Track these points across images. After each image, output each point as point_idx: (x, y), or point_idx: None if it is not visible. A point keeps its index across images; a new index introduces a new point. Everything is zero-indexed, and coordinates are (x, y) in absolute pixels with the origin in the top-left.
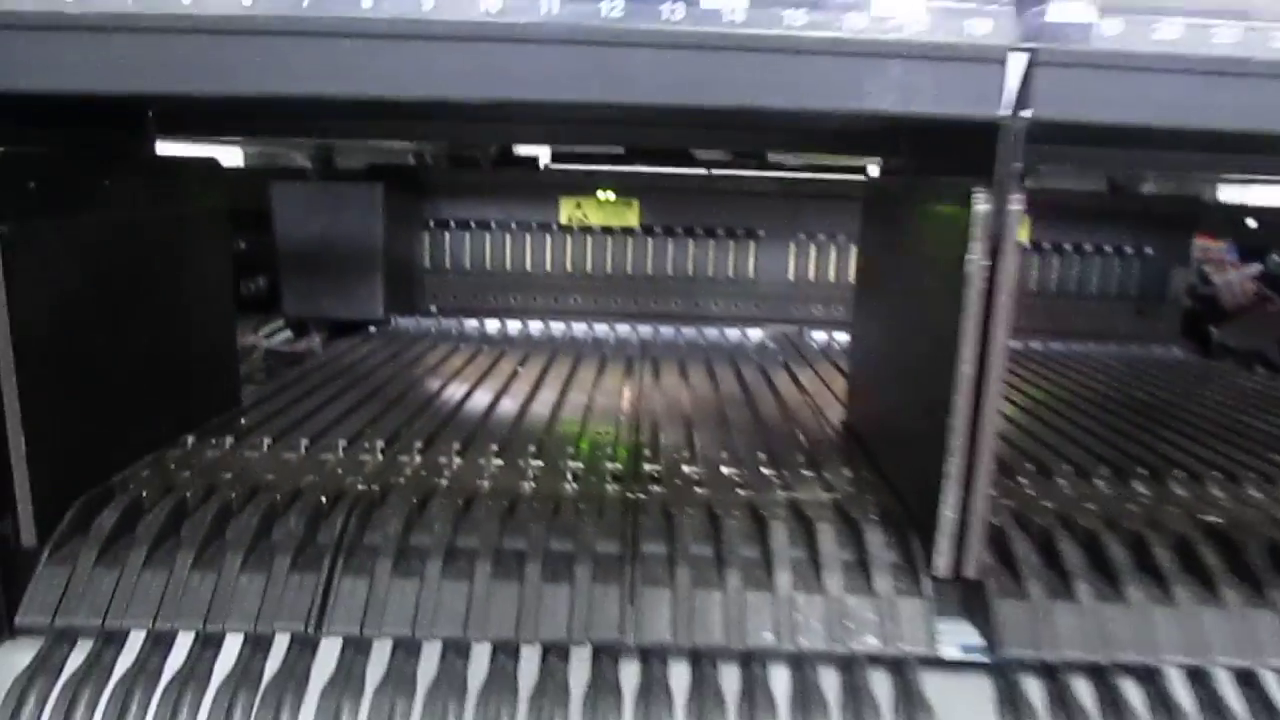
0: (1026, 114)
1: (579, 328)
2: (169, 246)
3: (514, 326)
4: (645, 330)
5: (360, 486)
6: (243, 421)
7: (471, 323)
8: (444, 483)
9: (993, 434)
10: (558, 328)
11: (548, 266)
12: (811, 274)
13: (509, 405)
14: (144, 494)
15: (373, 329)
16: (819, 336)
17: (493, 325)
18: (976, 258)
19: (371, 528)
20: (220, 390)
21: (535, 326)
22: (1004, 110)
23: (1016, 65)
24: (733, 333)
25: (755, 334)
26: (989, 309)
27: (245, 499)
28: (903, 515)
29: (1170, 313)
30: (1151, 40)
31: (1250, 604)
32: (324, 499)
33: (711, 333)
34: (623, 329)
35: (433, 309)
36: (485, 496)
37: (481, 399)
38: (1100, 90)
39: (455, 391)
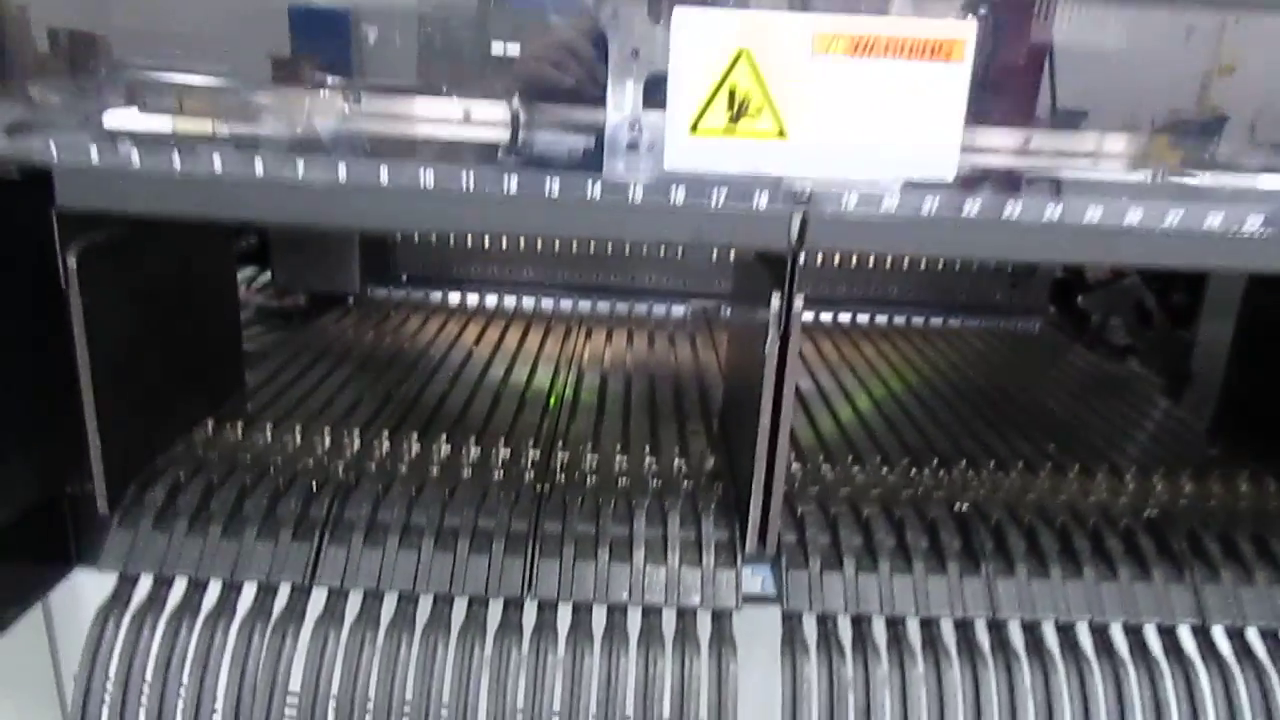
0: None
1: (528, 300)
2: (192, 255)
3: (473, 298)
4: (584, 304)
5: (340, 474)
6: (249, 406)
7: (436, 294)
8: (403, 468)
9: (784, 454)
10: (510, 300)
11: (503, 243)
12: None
13: (461, 391)
14: (181, 475)
15: (351, 300)
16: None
17: (454, 296)
18: (770, 339)
19: (349, 507)
20: (230, 374)
21: (491, 298)
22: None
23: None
24: (659, 307)
25: (679, 309)
26: (780, 374)
27: (256, 480)
28: (733, 503)
29: (1039, 285)
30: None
31: (969, 573)
32: (314, 484)
33: (641, 307)
34: (565, 302)
35: (403, 278)
36: (433, 482)
37: (441, 381)
38: (851, 235)
39: (420, 373)
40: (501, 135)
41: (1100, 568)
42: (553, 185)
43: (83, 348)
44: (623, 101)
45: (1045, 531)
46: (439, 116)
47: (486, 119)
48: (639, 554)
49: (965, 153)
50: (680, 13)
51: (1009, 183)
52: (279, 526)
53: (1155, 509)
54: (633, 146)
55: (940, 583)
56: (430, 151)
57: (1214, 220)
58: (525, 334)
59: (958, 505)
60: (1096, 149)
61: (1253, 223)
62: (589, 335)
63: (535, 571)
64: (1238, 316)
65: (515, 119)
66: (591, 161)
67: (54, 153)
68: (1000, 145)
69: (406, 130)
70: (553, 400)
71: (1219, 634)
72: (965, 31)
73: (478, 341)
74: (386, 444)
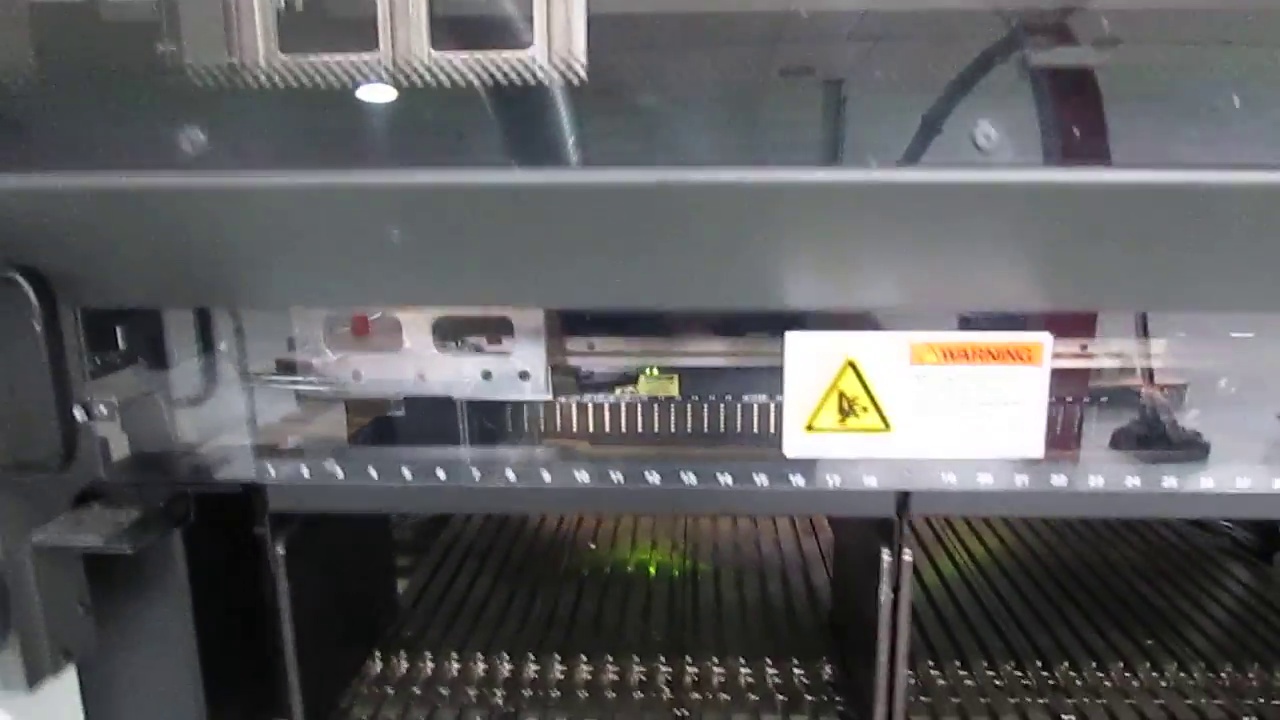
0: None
1: None
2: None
3: None
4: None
5: (501, 704)
6: (408, 633)
7: None
8: (555, 694)
9: (902, 691)
10: None
11: None
12: None
13: (589, 597)
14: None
15: None
16: None
17: None
18: (884, 592)
19: None
20: (387, 605)
21: None
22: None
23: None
24: None
25: None
26: (894, 622)
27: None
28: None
29: None
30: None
31: None
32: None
33: None
34: None
35: None
36: (582, 706)
37: (570, 585)
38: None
39: (546, 578)
40: None
41: None
42: (689, 476)
43: (288, 619)
44: None
45: None
46: None
47: None
48: None
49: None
50: (791, 336)
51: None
52: None
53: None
54: None
55: None
56: None
57: None
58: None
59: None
60: None
61: None
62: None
63: None
64: None
65: None
66: None
67: (271, 473)
68: None
69: None
70: (672, 605)
71: None
72: (1043, 339)
73: (594, 539)
74: (534, 666)
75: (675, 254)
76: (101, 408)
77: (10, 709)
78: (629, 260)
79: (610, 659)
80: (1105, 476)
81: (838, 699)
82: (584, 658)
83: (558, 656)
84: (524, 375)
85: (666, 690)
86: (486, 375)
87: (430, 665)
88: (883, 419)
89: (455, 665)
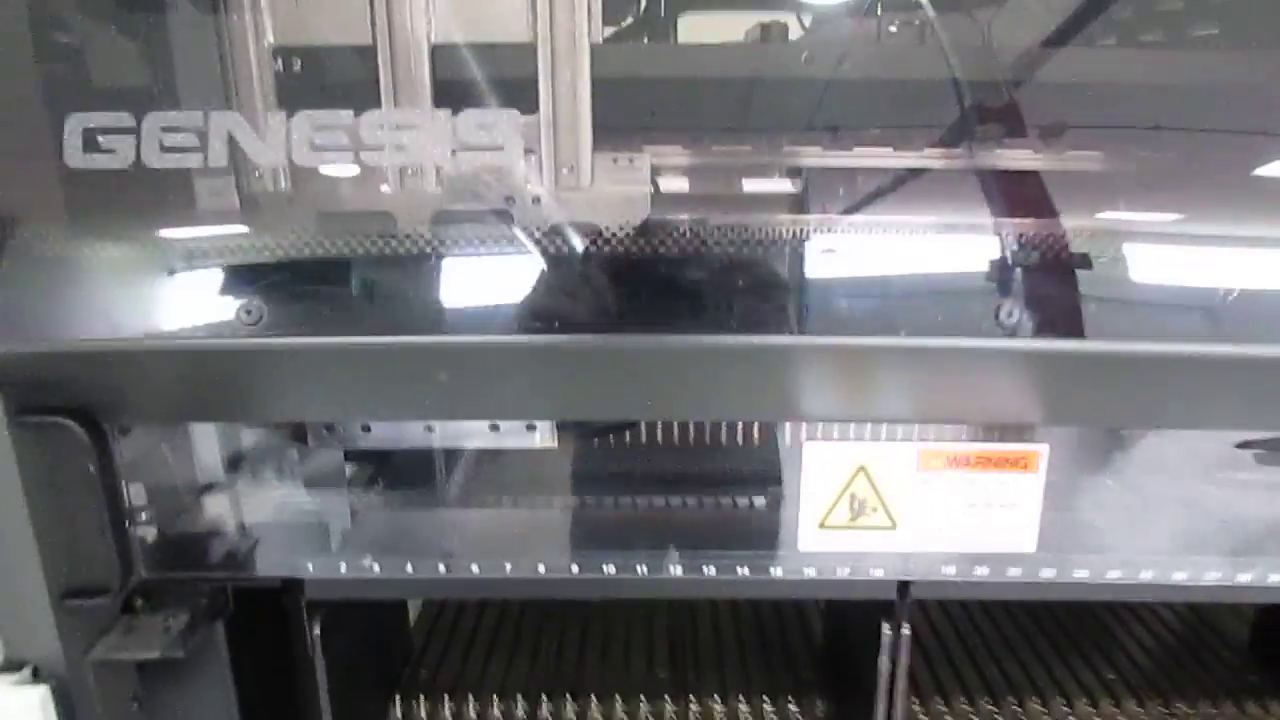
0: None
1: None
2: None
3: None
4: None
5: None
6: (423, 675)
7: None
8: None
9: None
10: None
11: None
12: None
13: (593, 639)
14: None
15: None
16: None
17: None
18: (883, 663)
19: None
20: (404, 648)
21: None
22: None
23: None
24: None
25: None
26: (891, 694)
27: None
28: None
29: None
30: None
31: None
32: None
33: None
34: None
35: None
36: None
37: (572, 624)
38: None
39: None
40: None
41: None
42: (710, 569)
43: (324, 689)
44: None
45: None
46: None
47: None
48: None
49: None
50: (809, 446)
51: None
52: None
53: None
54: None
55: None
56: None
57: None
58: None
59: None
60: None
61: None
62: None
63: None
64: None
65: None
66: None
67: (310, 569)
68: None
69: None
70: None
71: None
72: (1040, 448)
73: None
74: (548, 706)
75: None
76: (143, 515)
77: None
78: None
79: (620, 699)
80: (1090, 570)
81: None
82: (594, 698)
83: (569, 697)
84: (530, 427)
85: None
86: (494, 427)
87: (449, 709)
88: (890, 518)
89: (473, 709)
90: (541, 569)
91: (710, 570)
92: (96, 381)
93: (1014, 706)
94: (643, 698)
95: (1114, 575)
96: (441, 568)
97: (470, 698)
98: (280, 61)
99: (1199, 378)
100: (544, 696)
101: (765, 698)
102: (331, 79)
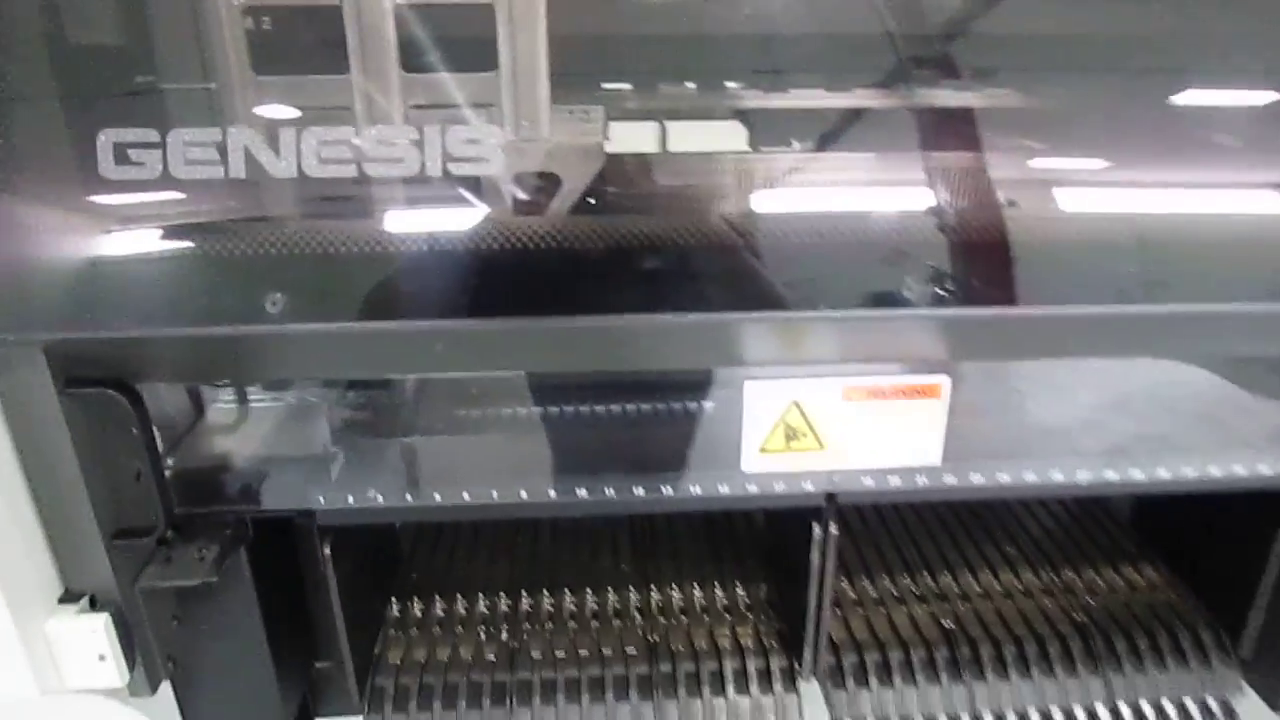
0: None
1: None
2: None
3: None
4: None
5: (505, 639)
6: (414, 576)
7: None
8: (549, 626)
9: (828, 617)
10: None
11: None
12: None
13: (561, 544)
14: (398, 664)
15: None
16: None
17: None
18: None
19: (518, 669)
20: (394, 556)
21: None
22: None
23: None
24: None
25: None
26: (821, 581)
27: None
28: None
29: None
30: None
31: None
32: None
33: None
34: None
35: None
36: (557, 635)
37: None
38: (868, 498)
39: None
40: None
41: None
42: (668, 489)
43: (335, 602)
44: None
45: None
46: None
47: None
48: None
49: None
50: (749, 385)
51: None
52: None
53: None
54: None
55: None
56: None
57: None
58: None
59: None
60: None
61: None
62: None
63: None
64: None
65: None
66: None
67: (321, 501)
68: None
69: None
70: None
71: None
72: (942, 379)
73: None
74: (527, 601)
75: None
76: (169, 460)
77: (141, 709)
78: None
79: (590, 591)
80: (984, 474)
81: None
82: (568, 591)
83: (545, 591)
84: None
85: (638, 616)
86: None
87: (440, 607)
88: (818, 441)
89: (461, 605)
90: (524, 494)
91: (668, 490)
92: (133, 361)
93: (928, 580)
94: (610, 589)
95: (1003, 478)
96: (436, 496)
97: (458, 596)
98: (251, 21)
99: (1071, 327)
100: (523, 592)
101: (716, 584)
102: (301, 39)
